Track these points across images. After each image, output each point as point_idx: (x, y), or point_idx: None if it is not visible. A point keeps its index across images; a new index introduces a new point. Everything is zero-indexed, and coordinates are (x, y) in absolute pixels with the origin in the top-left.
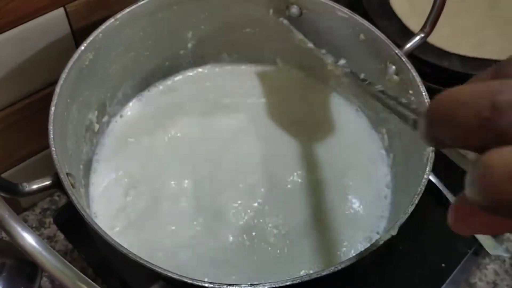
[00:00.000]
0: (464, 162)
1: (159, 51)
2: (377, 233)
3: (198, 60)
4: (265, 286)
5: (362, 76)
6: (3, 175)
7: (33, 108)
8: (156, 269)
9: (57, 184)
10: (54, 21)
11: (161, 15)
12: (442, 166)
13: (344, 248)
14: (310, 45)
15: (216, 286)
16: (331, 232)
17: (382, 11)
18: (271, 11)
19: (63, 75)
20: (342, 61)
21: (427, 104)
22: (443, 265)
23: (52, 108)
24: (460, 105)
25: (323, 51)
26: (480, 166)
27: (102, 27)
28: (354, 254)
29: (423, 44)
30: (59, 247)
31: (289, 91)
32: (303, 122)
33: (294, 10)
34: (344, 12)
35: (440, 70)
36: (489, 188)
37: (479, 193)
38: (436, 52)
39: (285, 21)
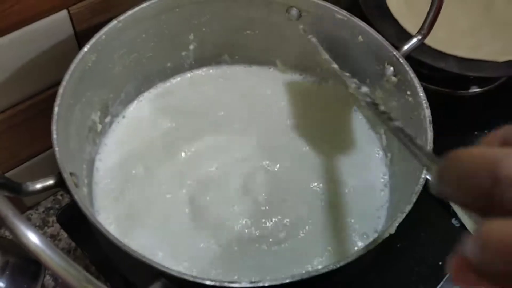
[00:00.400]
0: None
1: (161, 53)
2: (375, 231)
3: (199, 61)
4: (266, 283)
5: (382, 108)
6: (7, 175)
7: (37, 109)
8: (158, 267)
9: (61, 184)
10: (58, 23)
11: (163, 18)
12: None
13: (342, 247)
14: (335, 65)
15: (217, 284)
16: (329, 231)
17: (380, 13)
18: (301, 26)
19: (66, 76)
20: (364, 88)
21: (427, 114)
22: (440, 263)
23: (56, 109)
24: (465, 174)
25: (347, 73)
26: (476, 234)
27: (105, 29)
28: (352, 253)
29: (420, 45)
30: (62, 245)
31: (288, 91)
32: (301, 122)
33: (294, 12)
34: (342, 14)
35: (437, 71)
36: (479, 256)
37: (473, 256)
38: (433, 54)
39: (314, 39)
